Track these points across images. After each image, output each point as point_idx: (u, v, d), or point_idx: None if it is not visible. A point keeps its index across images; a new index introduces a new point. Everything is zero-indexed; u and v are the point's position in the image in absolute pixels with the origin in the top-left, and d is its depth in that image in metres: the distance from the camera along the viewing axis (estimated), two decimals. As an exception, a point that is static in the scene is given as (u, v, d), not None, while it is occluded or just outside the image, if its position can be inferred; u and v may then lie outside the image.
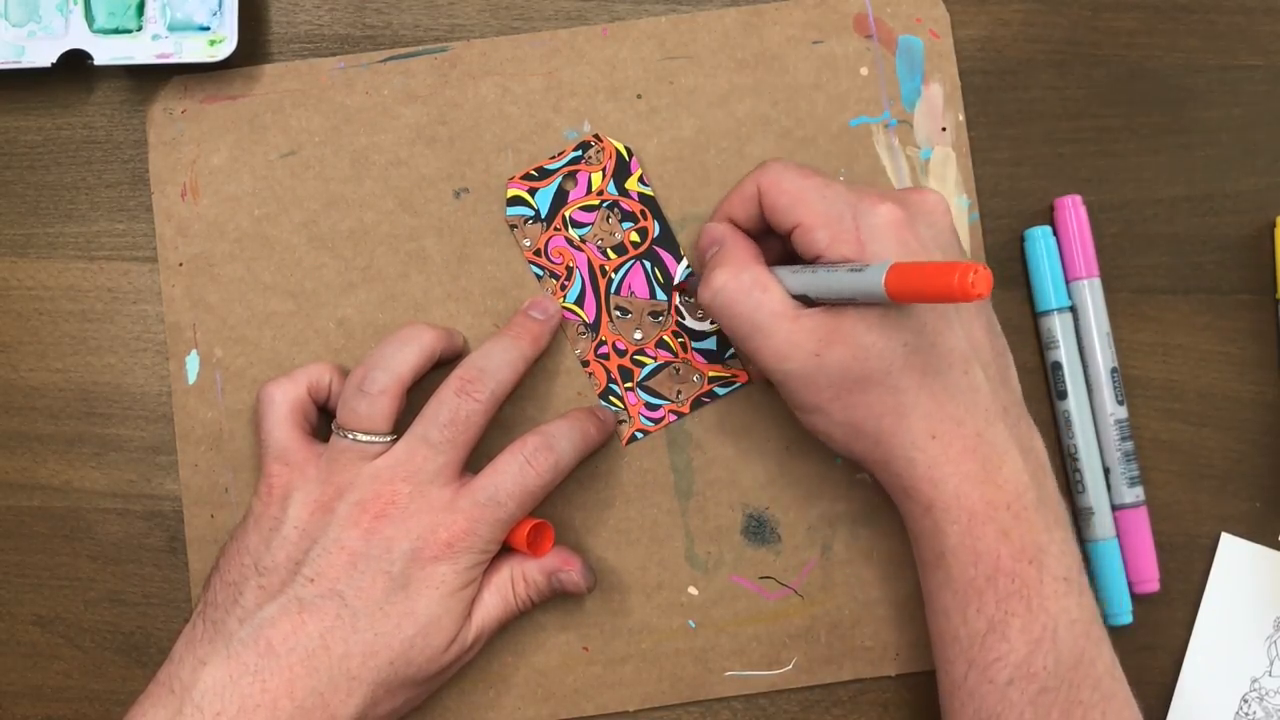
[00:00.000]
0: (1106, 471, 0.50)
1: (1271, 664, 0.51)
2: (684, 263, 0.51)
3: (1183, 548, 0.51)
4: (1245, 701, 0.50)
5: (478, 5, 0.52)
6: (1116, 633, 0.49)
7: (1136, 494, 0.50)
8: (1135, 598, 0.50)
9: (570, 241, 0.51)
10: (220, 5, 0.50)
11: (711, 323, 0.51)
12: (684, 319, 0.51)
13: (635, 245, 0.51)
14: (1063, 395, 0.50)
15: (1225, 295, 0.52)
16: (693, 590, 0.50)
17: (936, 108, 0.51)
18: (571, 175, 0.51)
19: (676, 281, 0.50)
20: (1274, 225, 0.52)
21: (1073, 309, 0.51)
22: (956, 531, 0.43)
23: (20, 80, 0.51)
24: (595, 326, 0.51)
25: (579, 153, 0.51)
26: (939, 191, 0.46)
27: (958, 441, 0.43)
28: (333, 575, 0.44)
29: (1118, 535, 0.50)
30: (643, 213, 0.51)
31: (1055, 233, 0.51)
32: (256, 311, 0.51)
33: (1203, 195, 0.52)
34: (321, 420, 0.49)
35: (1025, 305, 0.51)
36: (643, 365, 0.51)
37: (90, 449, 0.51)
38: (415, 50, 0.51)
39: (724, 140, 0.51)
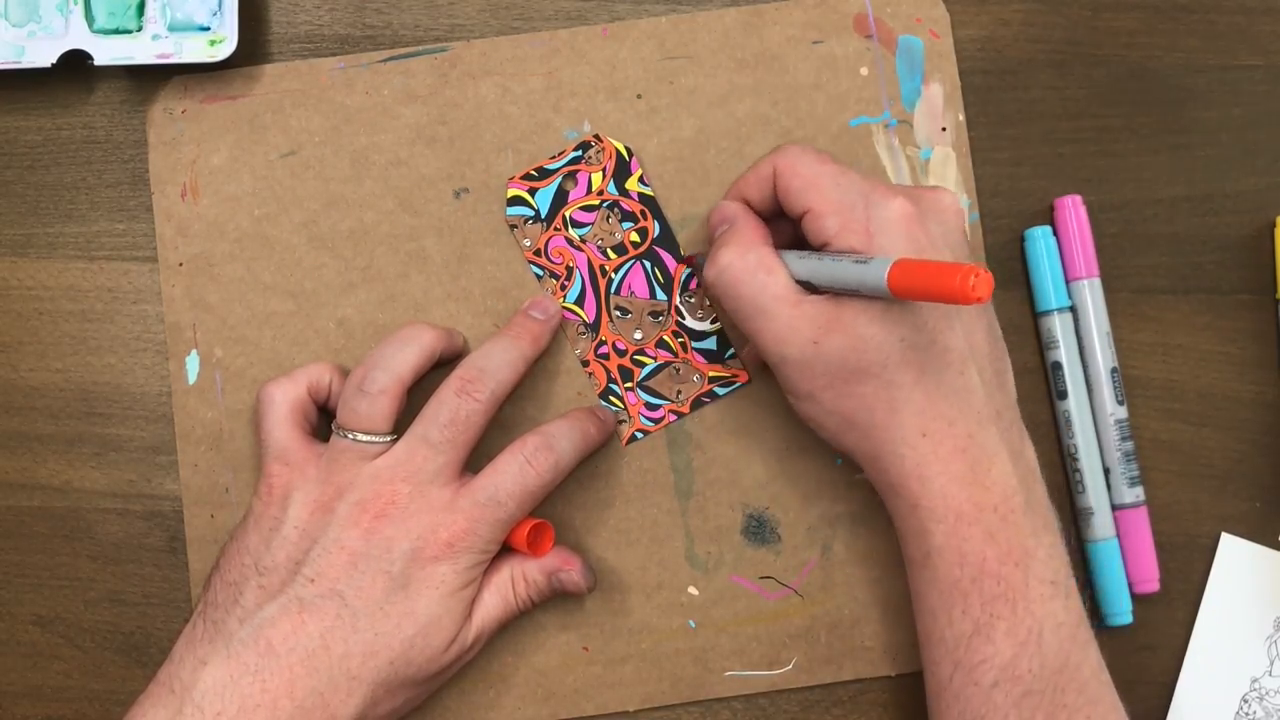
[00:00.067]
0: (1106, 471, 0.50)
1: (1271, 664, 0.51)
2: (685, 265, 0.51)
3: (1183, 548, 0.51)
4: (1245, 701, 0.50)
5: (478, 5, 0.52)
6: (1116, 633, 0.50)
7: (1136, 494, 0.50)
8: (1135, 598, 0.50)
9: (570, 241, 0.51)
10: (220, 5, 0.50)
11: (712, 321, 0.51)
12: (684, 319, 0.51)
13: (635, 245, 0.51)
14: (1063, 395, 0.50)
15: (1225, 295, 0.52)
16: (693, 590, 0.50)
17: (936, 108, 0.51)
18: (571, 175, 0.51)
19: (685, 254, 0.50)
20: (1274, 225, 0.52)
21: (1073, 309, 0.51)
22: (943, 531, 0.43)
23: (20, 80, 0.51)
24: (595, 326, 0.51)
25: (579, 153, 0.51)
26: (952, 191, 0.46)
27: (948, 441, 0.43)
28: (333, 575, 0.44)
29: (1118, 535, 0.50)
30: (643, 213, 0.51)
31: (1055, 233, 0.51)
32: (256, 311, 0.51)
33: (1203, 195, 0.52)
34: (321, 420, 0.49)
35: (1025, 305, 0.51)
36: (643, 365, 0.51)
37: (90, 449, 0.51)
38: (415, 50, 0.51)
39: (724, 140, 0.51)
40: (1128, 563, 0.50)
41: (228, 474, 0.50)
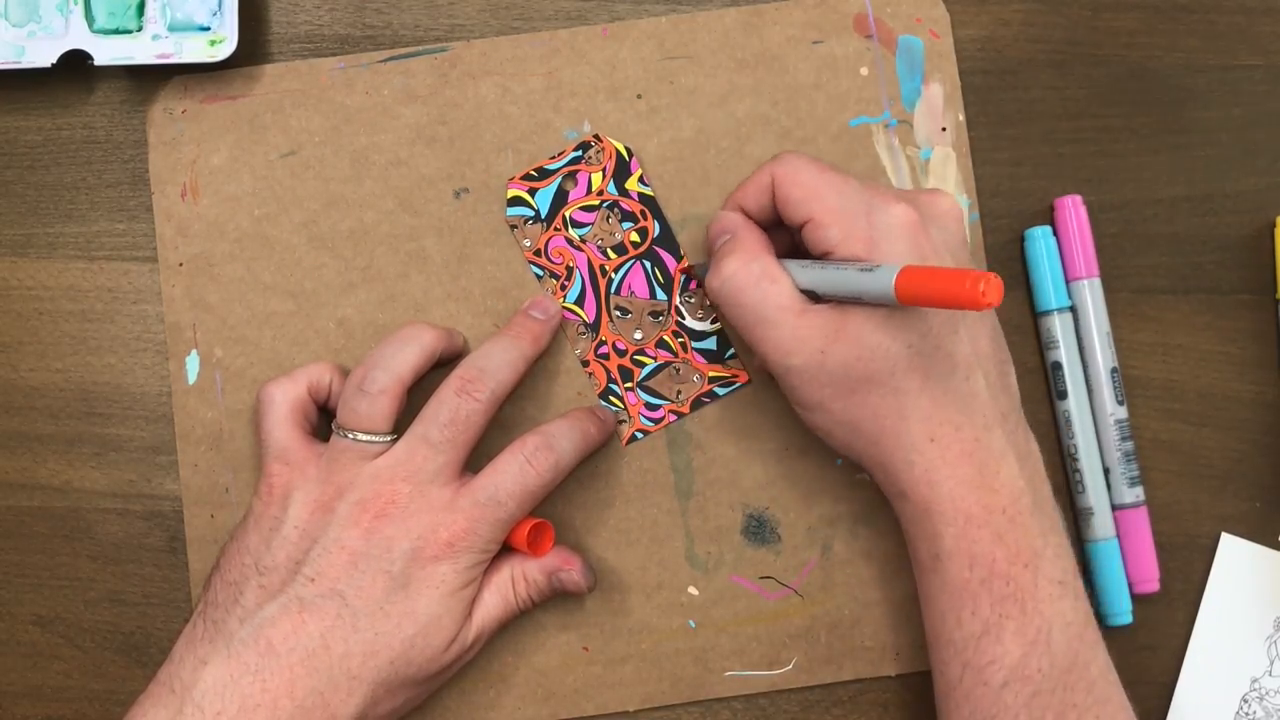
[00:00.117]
0: (1106, 471, 0.50)
1: (1271, 664, 0.51)
2: (685, 264, 0.51)
3: (1183, 548, 0.51)
4: (1245, 701, 0.50)
5: (478, 5, 0.52)
6: (1116, 633, 0.50)
7: (1136, 494, 0.50)
8: (1135, 598, 0.50)
9: (570, 241, 0.51)
10: (220, 5, 0.50)
11: (713, 321, 0.51)
12: (684, 319, 0.51)
13: (635, 245, 0.51)
14: (1063, 395, 0.50)
15: (1225, 295, 0.52)
16: (693, 590, 0.50)
17: (936, 108, 0.51)
18: (571, 175, 0.51)
19: (685, 265, 0.50)
20: (1274, 225, 0.52)
21: (1073, 309, 0.51)
22: (952, 534, 0.43)
23: (20, 80, 0.51)
24: (595, 326, 0.51)
25: (579, 153, 0.51)
26: (952, 195, 0.46)
27: (956, 445, 0.43)
28: (333, 575, 0.44)
29: (1118, 535, 0.50)
30: (643, 213, 0.51)
31: (1055, 233, 0.51)
32: (256, 311, 0.51)
33: (1203, 195, 0.52)
34: (322, 420, 0.49)
35: (1025, 305, 0.51)
36: (643, 365, 0.51)
37: (90, 449, 0.51)
38: (415, 50, 0.51)
39: (724, 140, 0.51)
40: (1128, 563, 0.50)
41: (228, 474, 0.50)
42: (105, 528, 0.51)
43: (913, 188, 0.51)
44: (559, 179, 0.51)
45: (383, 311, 0.51)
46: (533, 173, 0.51)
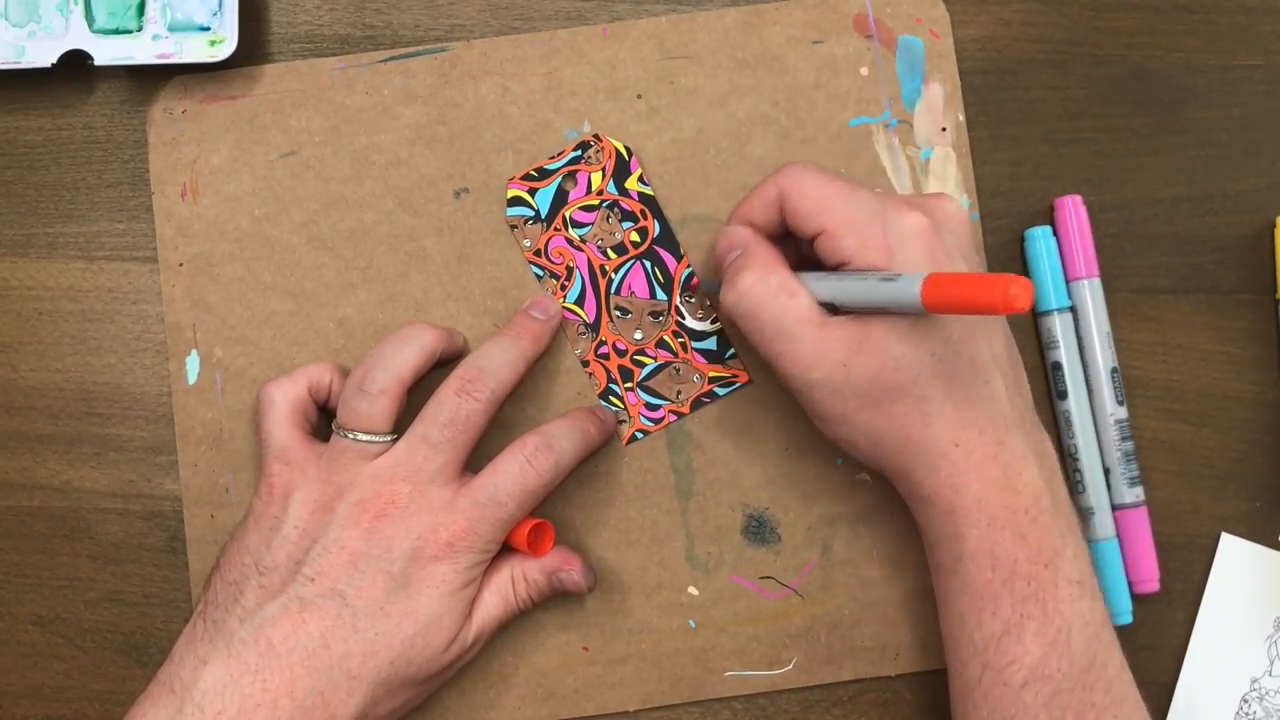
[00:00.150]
0: (1106, 471, 0.50)
1: (1271, 664, 0.51)
2: (685, 265, 0.51)
3: (1183, 548, 0.51)
4: (1245, 701, 0.50)
5: (478, 5, 0.52)
6: (1117, 633, 0.49)
7: (1136, 494, 0.50)
8: (1135, 598, 0.50)
9: (570, 241, 0.51)
10: (220, 5, 0.50)
11: (712, 321, 0.51)
12: (684, 319, 0.51)
13: (635, 245, 0.51)
14: (1063, 395, 0.50)
15: (1225, 295, 0.52)
16: (693, 590, 0.50)
17: (936, 108, 0.51)
18: (571, 175, 0.51)
19: (691, 281, 0.50)
20: (1274, 225, 0.52)
21: (1073, 309, 0.51)
22: (976, 536, 0.43)
23: (20, 80, 0.51)
24: (595, 326, 0.51)
25: (579, 153, 0.51)
26: (956, 199, 0.46)
27: (980, 450, 0.43)
28: (333, 575, 0.44)
29: (1118, 535, 0.50)
30: (643, 212, 0.51)
31: (1055, 233, 0.51)
32: (256, 311, 0.51)
33: (1203, 195, 0.52)
34: (322, 420, 0.49)
35: (1025, 305, 0.51)
36: (643, 365, 0.51)
37: (90, 449, 0.51)
38: (415, 50, 0.51)
39: (724, 140, 0.51)
40: (1128, 563, 0.50)
41: (228, 474, 0.50)
42: (105, 528, 0.51)
43: (913, 188, 0.51)
44: (559, 179, 0.51)
45: (383, 311, 0.51)
46: (533, 173, 0.51)
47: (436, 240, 0.51)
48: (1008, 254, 0.51)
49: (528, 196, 0.51)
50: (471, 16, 0.52)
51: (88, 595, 0.51)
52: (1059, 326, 0.50)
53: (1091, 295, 0.50)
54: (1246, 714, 0.50)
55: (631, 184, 0.51)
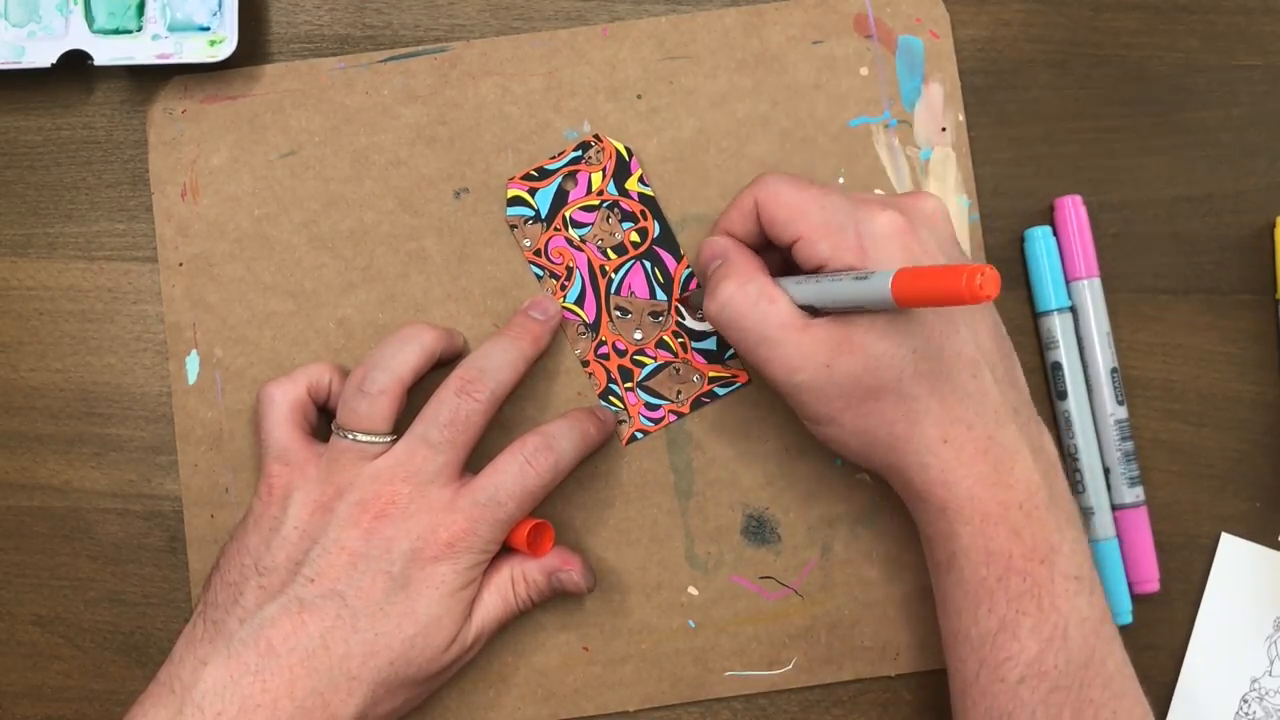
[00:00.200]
0: (1106, 471, 0.50)
1: (1271, 664, 0.51)
2: (685, 265, 0.51)
3: (1183, 548, 0.51)
4: (1245, 701, 0.50)
5: (478, 5, 0.52)
6: (1116, 632, 0.50)
7: (1136, 494, 0.50)
8: (1135, 598, 0.50)
9: (570, 241, 0.51)
10: (220, 5, 0.50)
11: (704, 319, 0.51)
12: (684, 319, 0.51)
13: (635, 245, 0.51)
14: (1063, 395, 0.50)
15: (1225, 295, 0.52)
16: (693, 590, 0.50)
17: (936, 108, 0.51)
18: (571, 175, 0.51)
19: (678, 295, 0.50)
20: (1274, 225, 0.52)
21: (1073, 309, 0.51)
22: (969, 532, 0.43)
23: (20, 80, 0.51)
24: (595, 326, 0.51)
25: (579, 153, 0.51)
26: (936, 195, 0.46)
27: (969, 444, 0.43)
28: (333, 575, 0.44)
29: (1118, 535, 0.50)
30: (643, 213, 0.51)
31: (1055, 233, 0.51)
32: (256, 311, 0.51)
33: (1203, 195, 0.52)
34: (321, 420, 0.49)
35: (1025, 305, 0.51)
36: (643, 365, 0.51)
37: (90, 449, 0.51)
38: (415, 50, 0.51)
39: (724, 140, 0.51)
40: (1128, 563, 0.50)
41: (228, 474, 0.50)
42: (105, 528, 0.51)
43: (913, 188, 0.51)
44: (559, 179, 0.51)
45: (383, 311, 0.51)
46: (533, 173, 0.51)
47: (436, 240, 0.51)
48: (1008, 254, 0.51)
49: (528, 196, 0.51)
50: (471, 16, 0.52)
51: (88, 595, 0.51)
52: (1059, 326, 0.50)
53: (1091, 295, 0.50)
54: (1246, 714, 0.50)
55: (632, 184, 0.51)
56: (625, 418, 0.50)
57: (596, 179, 0.51)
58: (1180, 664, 0.51)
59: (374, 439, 0.45)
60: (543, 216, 0.51)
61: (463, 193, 0.51)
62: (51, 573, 0.51)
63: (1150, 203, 0.52)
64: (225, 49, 0.50)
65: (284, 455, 0.46)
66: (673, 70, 0.51)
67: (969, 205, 0.51)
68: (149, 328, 0.51)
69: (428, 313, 0.51)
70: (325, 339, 0.50)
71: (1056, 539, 0.43)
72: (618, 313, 0.51)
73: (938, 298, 0.38)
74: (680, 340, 0.51)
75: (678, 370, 0.51)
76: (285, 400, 0.47)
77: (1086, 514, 0.50)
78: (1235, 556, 0.51)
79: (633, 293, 0.51)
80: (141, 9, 0.50)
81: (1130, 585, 0.50)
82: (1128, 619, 0.49)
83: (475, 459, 0.47)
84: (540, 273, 0.51)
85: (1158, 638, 0.51)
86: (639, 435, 0.50)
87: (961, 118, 0.51)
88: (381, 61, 0.51)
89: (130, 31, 0.50)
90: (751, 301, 0.44)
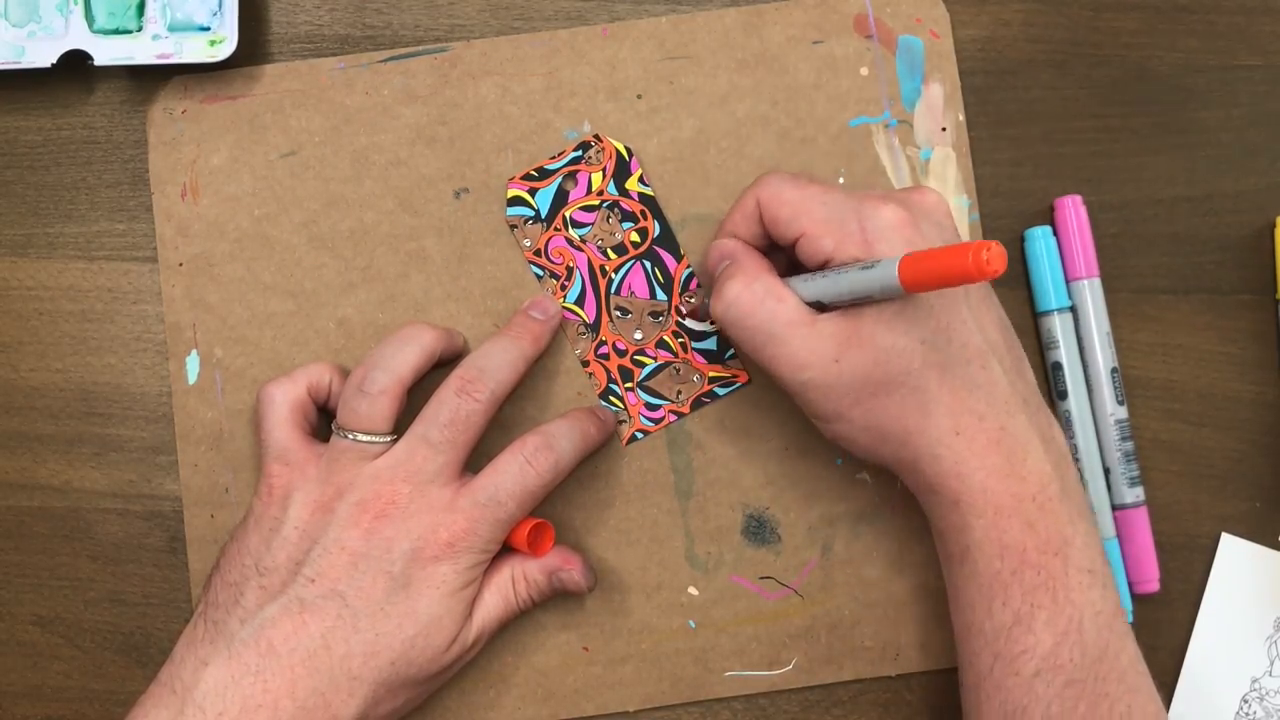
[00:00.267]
0: (1106, 471, 0.50)
1: (1271, 664, 0.51)
2: (685, 265, 0.51)
3: (1183, 548, 0.51)
4: (1245, 701, 0.50)
5: (478, 5, 0.52)
6: (1117, 632, 0.50)
7: (1136, 494, 0.50)
8: (1135, 598, 0.50)
9: (570, 241, 0.51)
10: (220, 5, 0.50)
11: (712, 322, 0.51)
12: (684, 319, 0.51)
13: (635, 245, 0.51)
14: (1063, 395, 0.50)
15: (1225, 295, 0.52)
16: (693, 590, 0.50)
17: (936, 108, 0.51)
18: (571, 175, 0.51)
19: (680, 305, 0.50)
20: (1274, 225, 0.52)
21: (1073, 309, 0.51)
22: (982, 525, 0.43)
23: (20, 80, 0.51)
24: (595, 326, 0.51)
25: (579, 153, 0.51)
26: (936, 190, 0.46)
27: (981, 435, 0.43)
28: (333, 575, 0.44)
29: (1118, 535, 0.50)
30: (643, 213, 0.51)
31: (1055, 233, 0.51)
32: (256, 311, 0.51)
33: (1203, 195, 0.52)
34: (322, 420, 0.49)
35: (1025, 305, 0.51)
36: (643, 365, 0.51)
37: (90, 449, 0.51)
38: (415, 50, 0.51)
39: (724, 140, 0.51)
40: (1128, 563, 0.50)
41: (228, 474, 0.50)
42: (105, 528, 0.51)
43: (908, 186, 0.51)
44: (559, 179, 0.51)
45: (383, 311, 0.51)
46: (533, 173, 0.51)
47: (436, 240, 0.51)
48: (1008, 254, 0.51)
49: (528, 196, 0.51)
50: (471, 16, 0.52)
51: (88, 595, 0.51)
52: (1059, 326, 0.50)
53: (1091, 295, 0.50)
54: (1246, 714, 0.50)
55: (632, 184, 0.51)
56: (625, 418, 0.50)
57: (596, 179, 0.51)
58: (1180, 664, 0.51)
59: (374, 439, 0.45)
60: (543, 216, 0.51)
61: (463, 193, 0.51)
62: (51, 573, 0.51)
63: (1150, 203, 0.52)
64: (225, 49, 0.50)
65: (284, 455, 0.46)
66: (673, 70, 0.51)
67: (969, 205, 0.51)
68: (149, 328, 0.51)
69: (428, 313, 0.51)
70: (325, 339, 0.50)
71: (1069, 531, 0.43)
72: (618, 313, 0.51)
73: (945, 278, 0.38)
74: (680, 340, 0.51)
75: (678, 370, 0.51)
76: (285, 400, 0.47)
77: (1086, 514, 0.50)
78: (1235, 556, 0.51)
79: (633, 293, 0.51)
80: (141, 9, 0.50)
81: (1130, 585, 0.50)
82: (1128, 619, 0.49)
83: (475, 459, 0.47)
84: (540, 273, 0.51)
85: (1158, 638, 0.51)
86: (639, 435, 0.50)
87: (961, 118, 0.51)
88: (381, 61, 0.51)
89: (130, 31, 0.50)
90: (758, 299, 0.44)
